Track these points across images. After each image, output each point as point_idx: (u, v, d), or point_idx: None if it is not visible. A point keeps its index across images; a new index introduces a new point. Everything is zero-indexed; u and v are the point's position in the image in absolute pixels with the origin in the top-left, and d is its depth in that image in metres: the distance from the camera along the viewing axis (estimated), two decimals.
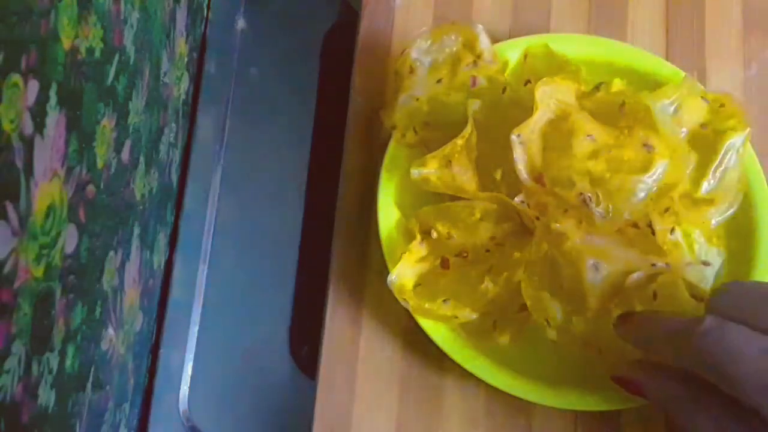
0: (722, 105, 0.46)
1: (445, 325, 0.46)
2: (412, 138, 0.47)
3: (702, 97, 0.46)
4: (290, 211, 0.65)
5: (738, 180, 0.46)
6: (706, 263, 0.45)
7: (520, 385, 0.45)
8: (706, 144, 0.46)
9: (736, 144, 0.46)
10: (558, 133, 0.43)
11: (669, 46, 0.53)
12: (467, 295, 0.44)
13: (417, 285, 0.45)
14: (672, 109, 0.45)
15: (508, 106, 0.46)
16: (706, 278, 0.45)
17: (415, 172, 0.44)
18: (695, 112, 0.46)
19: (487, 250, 0.45)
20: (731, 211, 0.46)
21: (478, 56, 0.47)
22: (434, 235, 0.46)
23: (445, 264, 0.45)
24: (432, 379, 0.48)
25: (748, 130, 0.46)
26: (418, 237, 0.46)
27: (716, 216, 0.46)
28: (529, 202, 0.44)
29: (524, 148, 0.42)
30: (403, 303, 0.44)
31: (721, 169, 0.46)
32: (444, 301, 0.44)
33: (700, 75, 0.52)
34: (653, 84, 0.49)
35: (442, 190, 0.45)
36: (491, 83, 0.47)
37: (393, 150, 0.48)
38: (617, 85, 0.45)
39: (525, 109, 0.45)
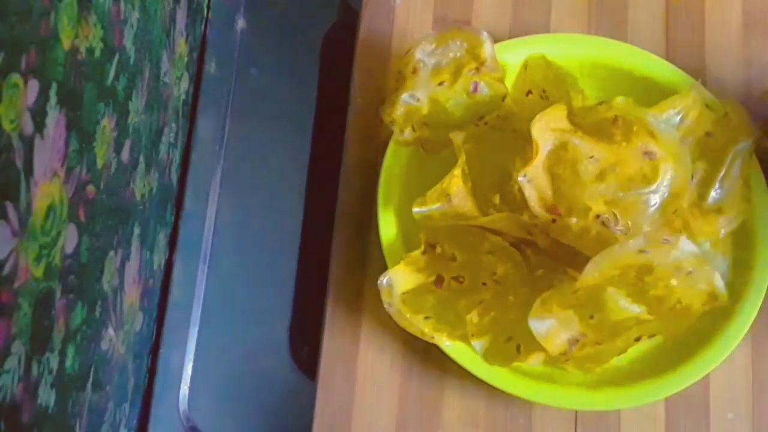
0: (726, 114, 0.47)
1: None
2: (410, 135, 0.47)
3: (707, 105, 0.46)
4: (290, 211, 0.65)
5: (741, 188, 0.46)
6: None
7: (521, 384, 0.45)
8: (712, 153, 0.46)
9: (742, 151, 0.46)
10: (562, 163, 0.43)
11: (669, 46, 0.53)
12: (449, 320, 0.45)
13: (405, 293, 0.45)
14: (678, 119, 0.45)
15: (493, 132, 0.46)
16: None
17: (416, 210, 0.44)
18: (701, 122, 0.46)
19: (484, 284, 0.45)
20: (740, 220, 0.46)
21: (482, 63, 0.47)
22: (438, 250, 0.46)
23: (439, 282, 0.45)
24: (432, 379, 0.48)
25: (753, 137, 0.46)
26: (422, 247, 0.46)
27: (725, 226, 0.46)
28: (538, 233, 0.44)
29: (533, 185, 0.43)
30: (386, 306, 0.44)
31: (728, 179, 0.46)
32: (426, 317, 0.44)
33: (700, 75, 0.52)
34: (654, 86, 0.49)
35: (447, 223, 0.45)
36: (492, 90, 0.47)
37: (393, 150, 0.48)
38: (618, 102, 0.44)
39: (512, 134, 0.45)
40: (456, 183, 0.44)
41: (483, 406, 0.48)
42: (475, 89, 0.47)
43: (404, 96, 0.47)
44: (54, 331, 0.37)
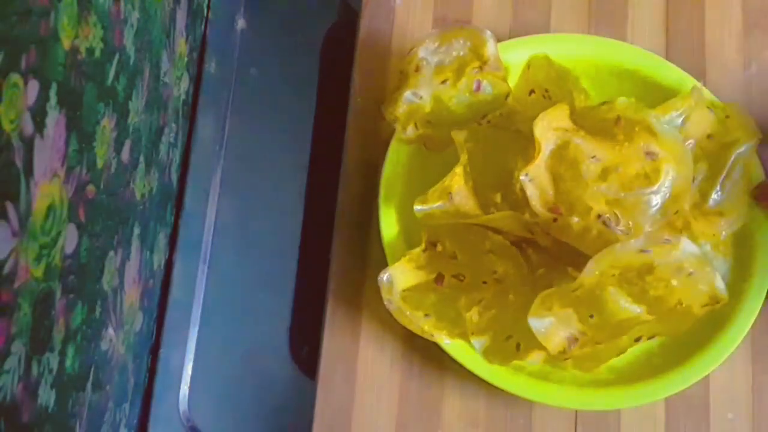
0: (728, 116, 0.47)
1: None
2: (412, 133, 0.47)
3: (708, 107, 0.46)
4: (290, 211, 0.65)
5: (744, 190, 0.46)
6: None
7: (521, 384, 0.45)
8: (714, 155, 0.46)
9: (743, 154, 0.46)
10: (564, 163, 0.43)
11: (669, 46, 0.53)
12: (449, 318, 0.45)
13: (406, 290, 0.45)
14: (680, 120, 0.45)
15: (496, 131, 0.46)
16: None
17: (417, 208, 0.44)
18: (702, 123, 0.46)
19: (485, 282, 0.45)
20: (740, 222, 0.46)
21: (485, 62, 0.47)
22: (439, 248, 0.46)
23: (439, 279, 0.45)
24: (432, 379, 0.48)
25: (755, 139, 0.46)
26: (423, 245, 0.46)
27: (726, 228, 0.46)
28: (539, 233, 0.44)
29: (534, 184, 0.43)
30: (386, 303, 0.44)
31: (729, 180, 0.46)
32: (426, 315, 0.45)
33: (700, 75, 0.52)
34: (656, 87, 0.49)
35: (448, 221, 0.45)
36: (495, 89, 0.47)
37: (395, 148, 0.48)
38: (621, 102, 0.45)
39: (515, 133, 0.45)
40: (457, 181, 0.44)
41: (483, 406, 0.48)
42: (478, 88, 0.47)
43: (407, 94, 0.47)
44: (54, 331, 0.37)
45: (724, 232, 0.46)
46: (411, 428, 0.48)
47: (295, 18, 0.70)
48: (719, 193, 0.46)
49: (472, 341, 0.45)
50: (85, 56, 0.38)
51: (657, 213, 0.42)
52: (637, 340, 0.42)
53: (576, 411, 0.47)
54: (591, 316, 0.42)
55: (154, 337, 0.59)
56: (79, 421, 0.42)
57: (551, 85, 0.48)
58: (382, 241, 0.47)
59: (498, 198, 0.45)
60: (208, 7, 0.67)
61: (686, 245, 0.41)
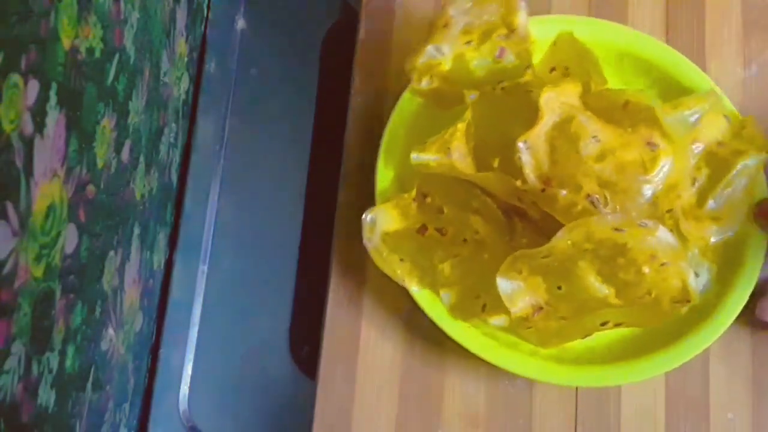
0: (743, 127, 0.46)
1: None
2: (427, 86, 0.47)
3: (725, 115, 0.46)
4: (290, 211, 0.65)
5: (744, 202, 0.46)
6: (695, 274, 0.45)
7: (518, 361, 0.44)
8: (719, 162, 0.46)
9: (749, 166, 0.45)
10: (564, 137, 0.43)
11: (669, 46, 0.53)
12: (423, 267, 0.45)
13: (387, 233, 0.46)
14: (693, 119, 0.45)
15: (507, 98, 0.46)
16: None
17: (414, 157, 0.45)
18: (715, 129, 0.46)
19: (465, 240, 0.46)
20: (731, 232, 0.46)
21: (512, 30, 0.47)
22: (428, 200, 0.46)
23: (422, 230, 0.46)
24: (432, 379, 0.48)
25: (765, 154, 0.46)
26: (413, 193, 0.46)
27: (716, 234, 0.46)
28: (529, 203, 0.44)
29: (531, 153, 0.43)
30: (365, 241, 0.45)
31: (729, 189, 0.46)
32: (401, 259, 0.45)
33: None
34: (678, 86, 0.49)
35: (441, 172, 0.45)
36: (518, 59, 0.47)
37: (407, 98, 0.49)
38: (634, 90, 0.44)
39: (526, 103, 0.45)
40: (458, 138, 0.44)
41: (483, 406, 0.48)
42: (501, 54, 0.47)
43: (429, 48, 0.47)
44: (54, 331, 0.37)
45: (713, 238, 0.46)
46: (411, 428, 0.48)
47: (295, 18, 0.70)
48: (718, 200, 0.46)
49: (441, 293, 0.45)
50: (85, 56, 0.38)
51: (646, 203, 0.42)
52: (604, 324, 0.41)
53: (576, 411, 0.47)
54: (559, 288, 0.42)
55: (154, 337, 0.59)
56: (79, 421, 0.42)
57: (572, 64, 0.48)
58: (375, 185, 0.47)
59: (495, 163, 0.45)
60: (208, 7, 0.67)
61: (663, 233, 0.40)
